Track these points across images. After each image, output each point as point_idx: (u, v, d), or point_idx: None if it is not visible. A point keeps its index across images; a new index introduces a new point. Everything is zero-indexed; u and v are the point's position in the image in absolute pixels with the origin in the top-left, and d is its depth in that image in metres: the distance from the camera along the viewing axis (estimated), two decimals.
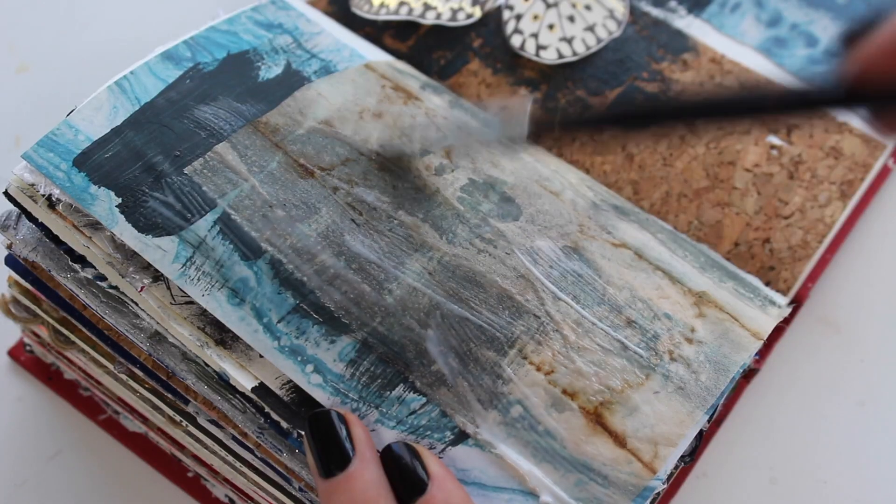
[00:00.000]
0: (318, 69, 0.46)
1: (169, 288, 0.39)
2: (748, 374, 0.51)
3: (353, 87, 0.45)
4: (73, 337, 0.45)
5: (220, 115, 0.42)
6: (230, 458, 0.42)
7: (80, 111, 0.42)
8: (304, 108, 0.44)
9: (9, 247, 0.42)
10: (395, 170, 0.43)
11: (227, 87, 0.44)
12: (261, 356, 0.38)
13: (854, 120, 0.53)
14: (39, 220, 0.40)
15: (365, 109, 0.44)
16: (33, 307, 0.45)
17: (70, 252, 0.40)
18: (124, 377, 0.43)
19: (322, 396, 0.37)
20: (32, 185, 0.40)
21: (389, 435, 0.37)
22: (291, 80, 0.45)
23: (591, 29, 0.54)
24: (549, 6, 0.55)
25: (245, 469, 0.42)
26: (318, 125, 0.43)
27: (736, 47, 0.55)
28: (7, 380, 0.51)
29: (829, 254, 0.53)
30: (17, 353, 0.51)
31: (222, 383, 0.39)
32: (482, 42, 0.55)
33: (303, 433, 0.37)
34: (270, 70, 0.45)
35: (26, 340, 0.51)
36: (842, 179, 0.52)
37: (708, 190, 0.51)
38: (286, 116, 0.43)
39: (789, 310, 0.45)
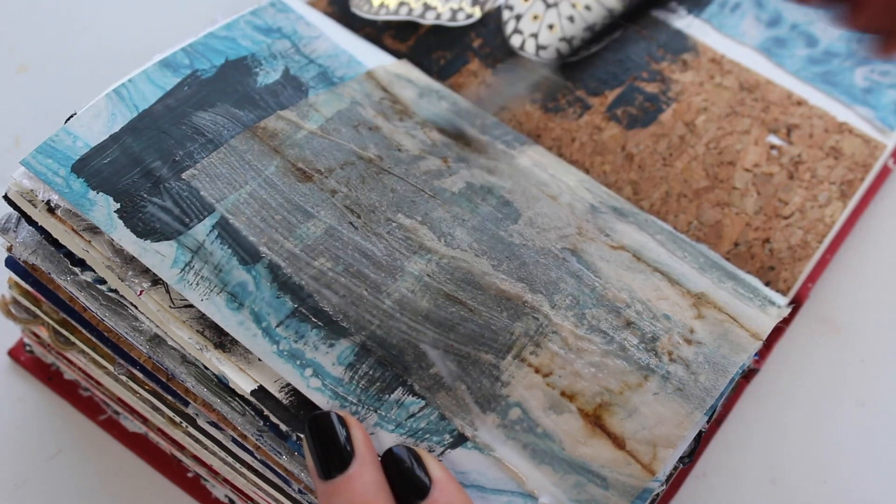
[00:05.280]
0: (315, 75, 0.46)
1: (168, 292, 0.39)
2: (748, 374, 0.51)
3: (351, 101, 0.46)
4: (73, 338, 0.45)
5: (219, 121, 0.43)
6: (230, 460, 0.42)
7: (79, 118, 0.42)
8: (303, 116, 0.44)
9: (9, 249, 0.42)
10: (393, 174, 0.43)
11: (225, 93, 0.44)
12: (259, 360, 0.38)
13: (854, 120, 0.53)
14: (39, 224, 0.41)
15: (361, 123, 0.45)
16: (33, 308, 0.46)
17: (70, 255, 0.40)
18: (124, 378, 0.43)
19: (321, 400, 0.37)
20: (31, 190, 0.40)
21: (389, 438, 0.37)
22: (290, 87, 0.45)
23: (590, 29, 0.54)
24: (548, 6, 0.54)
25: (245, 470, 0.42)
26: (316, 130, 0.44)
27: (736, 47, 0.55)
28: (7, 380, 0.51)
29: (829, 254, 0.53)
30: (17, 354, 0.51)
31: (222, 386, 0.39)
32: (482, 42, 0.55)
33: (302, 436, 0.37)
34: (269, 76, 0.45)
35: (26, 341, 0.51)
36: (842, 179, 0.52)
37: (708, 190, 0.51)
38: (284, 122, 0.43)
39: (788, 310, 0.45)
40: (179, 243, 0.39)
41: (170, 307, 0.39)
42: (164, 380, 0.41)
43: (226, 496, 0.48)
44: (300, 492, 0.40)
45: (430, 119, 0.46)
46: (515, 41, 0.54)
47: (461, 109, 0.48)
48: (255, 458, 0.41)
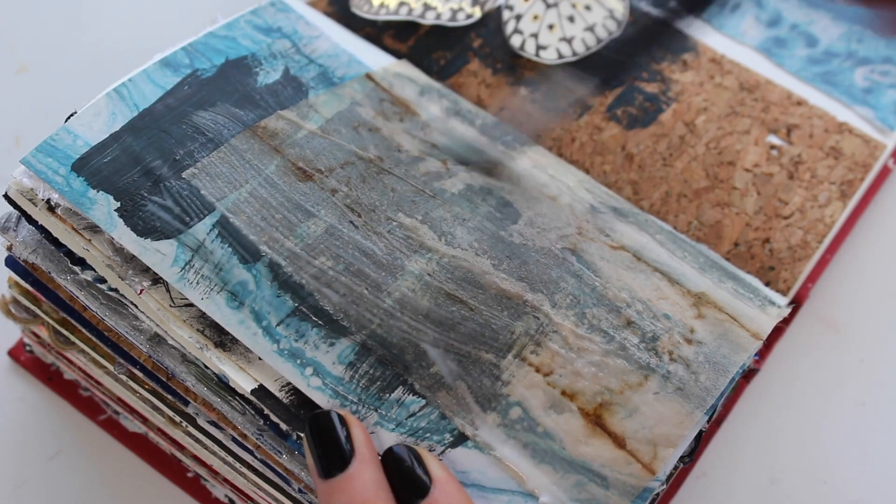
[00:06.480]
0: (315, 75, 0.46)
1: (168, 290, 0.39)
2: (748, 374, 0.51)
3: (351, 102, 0.46)
4: (73, 338, 0.45)
5: (219, 121, 0.43)
6: (230, 459, 0.42)
7: (79, 117, 0.42)
8: (303, 116, 0.44)
9: (9, 248, 0.42)
10: (393, 174, 0.43)
11: (226, 92, 0.44)
12: (260, 359, 0.38)
13: (854, 120, 0.53)
14: (39, 223, 0.41)
15: (361, 124, 0.45)
16: (33, 308, 0.46)
17: (70, 254, 0.40)
18: (124, 378, 0.43)
19: (321, 399, 0.37)
20: (31, 189, 0.40)
21: (389, 437, 0.37)
22: (290, 87, 0.45)
23: (591, 29, 0.54)
24: (548, 6, 0.55)
25: (245, 470, 0.42)
26: (316, 130, 0.44)
27: (736, 47, 0.55)
28: (7, 380, 0.51)
29: (829, 254, 0.53)
30: (17, 353, 0.51)
31: (222, 385, 0.39)
32: (482, 42, 0.55)
33: (302, 435, 0.37)
34: (269, 76, 0.45)
35: (26, 340, 0.51)
36: (842, 179, 0.52)
37: (708, 190, 0.51)
38: (285, 121, 0.43)
39: (788, 310, 0.45)
40: (180, 242, 0.39)
41: (170, 306, 0.39)
42: (165, 379, 0.41)
43: (226, 496, 0.48)
44: (300, 491, 0.40)
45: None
46: (515, 41, 0.54)
47: (460, 108, 0.48)
48: (256, 457, 0.41)
